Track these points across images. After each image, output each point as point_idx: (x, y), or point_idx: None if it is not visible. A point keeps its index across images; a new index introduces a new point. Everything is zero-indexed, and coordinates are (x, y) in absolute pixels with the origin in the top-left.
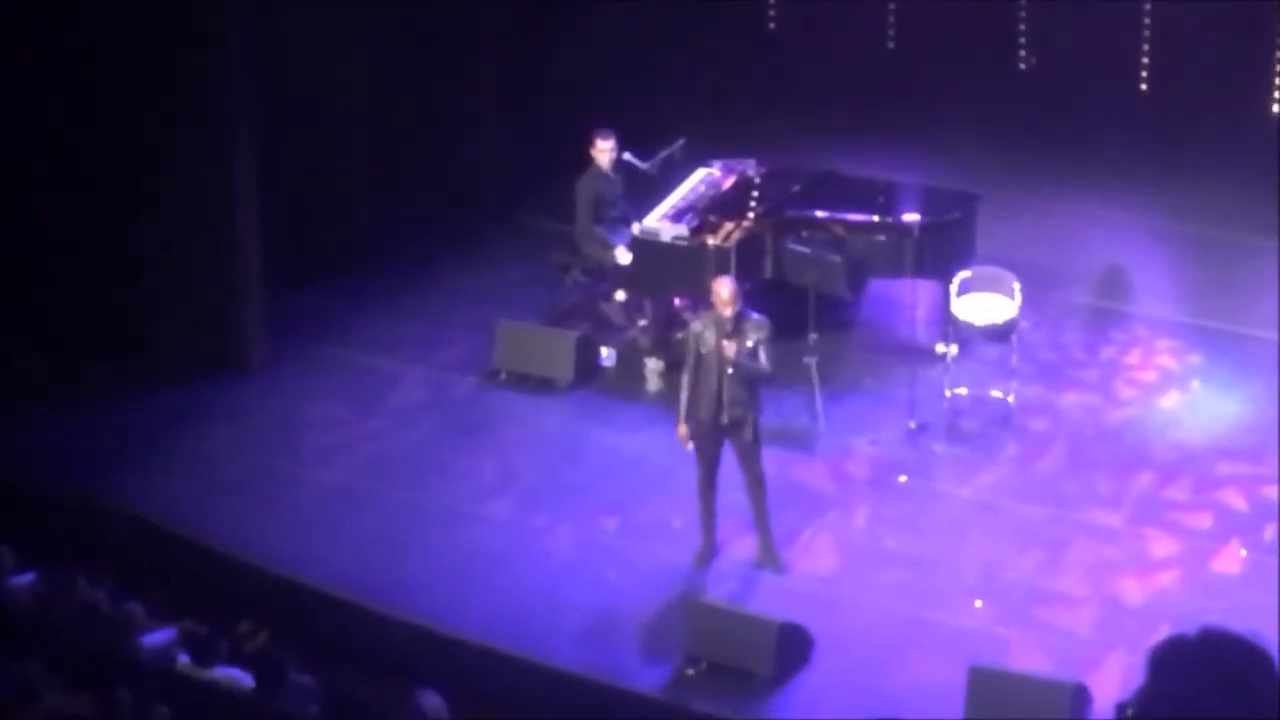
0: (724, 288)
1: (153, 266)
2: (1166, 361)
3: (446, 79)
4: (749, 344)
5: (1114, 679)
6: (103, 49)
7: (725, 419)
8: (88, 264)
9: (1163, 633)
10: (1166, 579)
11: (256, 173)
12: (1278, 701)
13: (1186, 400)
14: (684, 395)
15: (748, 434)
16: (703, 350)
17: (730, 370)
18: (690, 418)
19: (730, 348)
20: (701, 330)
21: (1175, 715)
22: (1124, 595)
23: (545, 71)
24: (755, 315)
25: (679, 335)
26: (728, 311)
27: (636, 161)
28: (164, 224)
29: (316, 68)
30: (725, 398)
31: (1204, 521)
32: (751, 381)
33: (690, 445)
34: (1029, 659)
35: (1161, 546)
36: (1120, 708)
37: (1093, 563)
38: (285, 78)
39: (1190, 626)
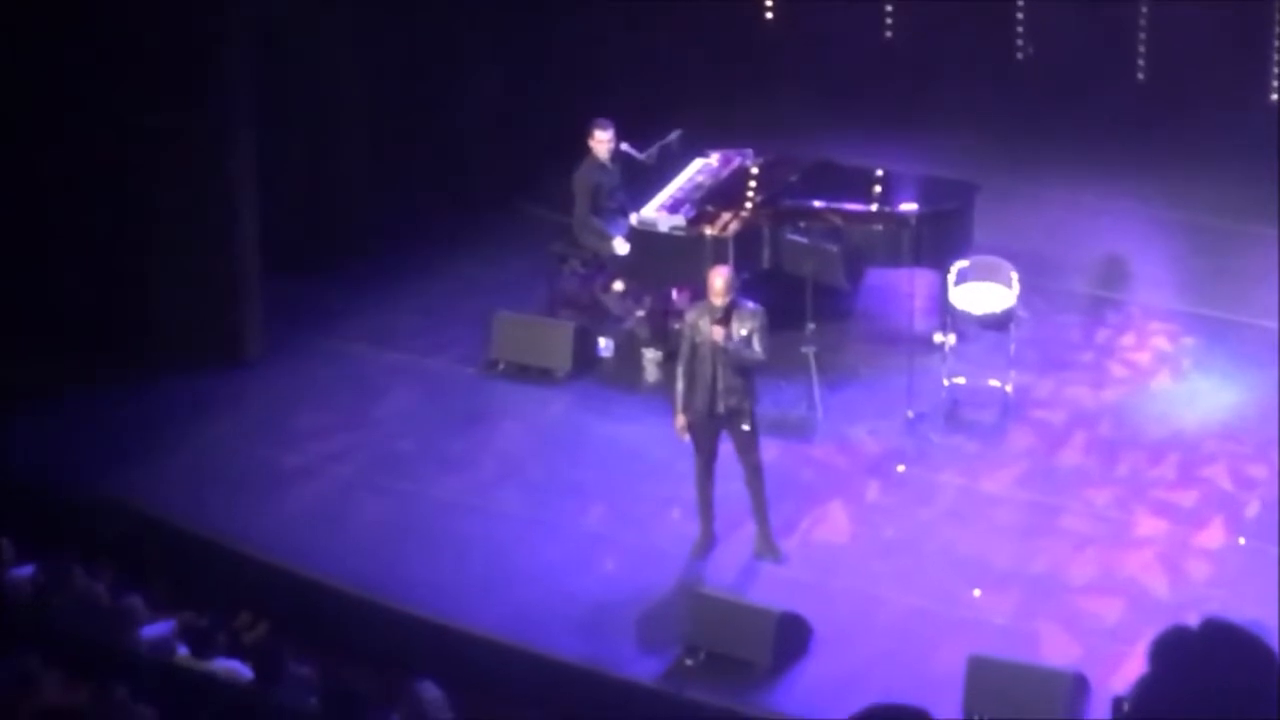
0: (718, 277)
1: (151, 259)
2: (1165, 349)
3: (445, 69)
4: (743, 332)
5: (1111, 667)
6: (100, 41)
7: (721, 408)
8: (86, 256)
9: (1168, 621)
10: (1164, 565)
11: (255, 164)
12: (1278, 693)
13: (1185, 388)
14: (680, 385)
15: (744, 423)
16: (697, 340)
17: (724, 359)
18: (687, 408)
19: (719, 333)
20: (696, 320)
21: (1175, 706)
22: (1125, 583)
23: (543, 61)
24: (749, 304)
25: (676, 326)
26: (721, 301)
27: (634, 152)
28: (162, 217)
29: (315, 58)
30: (720, 387)
31: (1194, 505)
32: (746, 370)
33: (688, 436)
34: (1027, 648)
35: (1156, 531)
36: (1117, 702)
37: (1091, 551)
38: (284, 69)
39: (1193, 616)
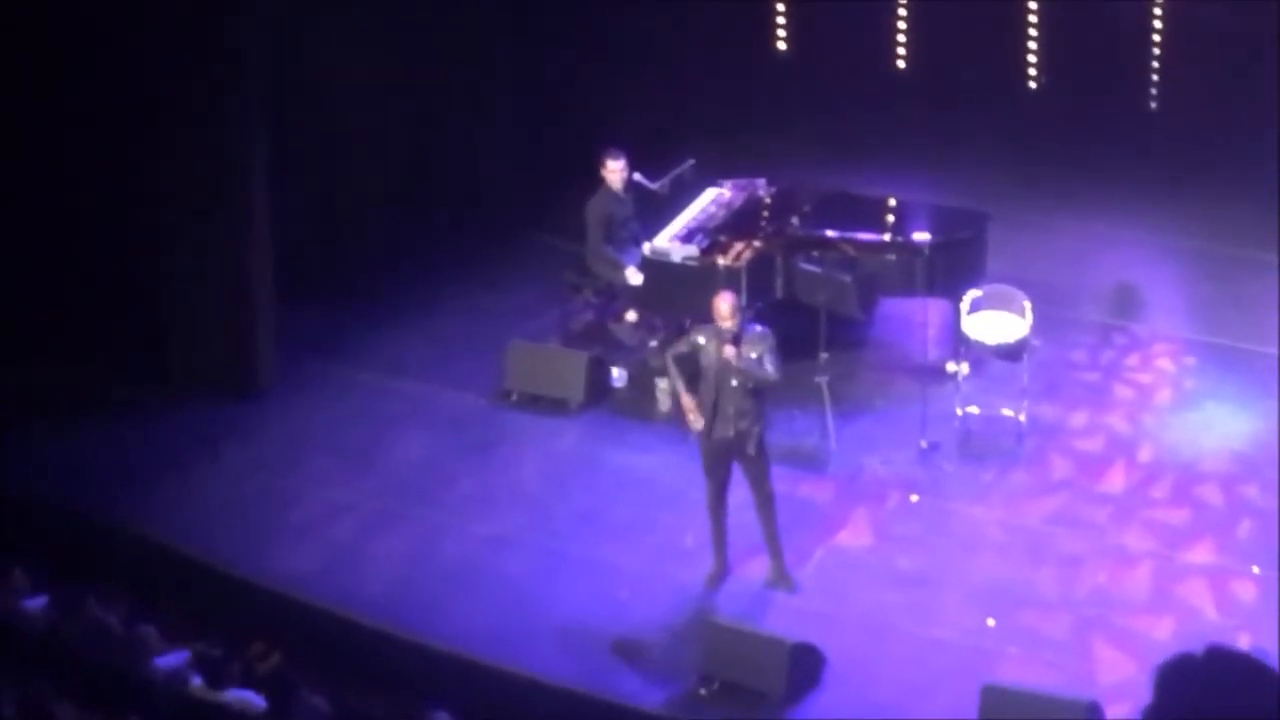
0: (724, 302)
1: (166, 287)
2: (1178, 377)
3: (461, 98)
4: (753, 355)
5: (1128, 696)
6: (115, 65)
7: (731, 431)
8: (101, 283)
9: (1177, 651)
10: (1183, 596)
11: (268, 194)
12: None
13: (1199, 416)
14: (678, 378)
15: (752, 447)
16: (704, 364)
17: (734, 382)
18: (697, 434)
19: (731, 351)
20: (704, 343)
21: None
22: (1139, 614)
23: (558, 92)
24: (757, 327)
25: (678, 344)
26: (729, 324)
27: (646, 182)
28: (177, 245)
29: (331, 85)
30: (731, 410)
31: (1186, 526)
32: (757, 393)
33: (699, 419)
34: (1041, 677)
35: (1176, 563)
36: None
37: (1105, 579)
38: (300, 95)
39: (1201, 645)
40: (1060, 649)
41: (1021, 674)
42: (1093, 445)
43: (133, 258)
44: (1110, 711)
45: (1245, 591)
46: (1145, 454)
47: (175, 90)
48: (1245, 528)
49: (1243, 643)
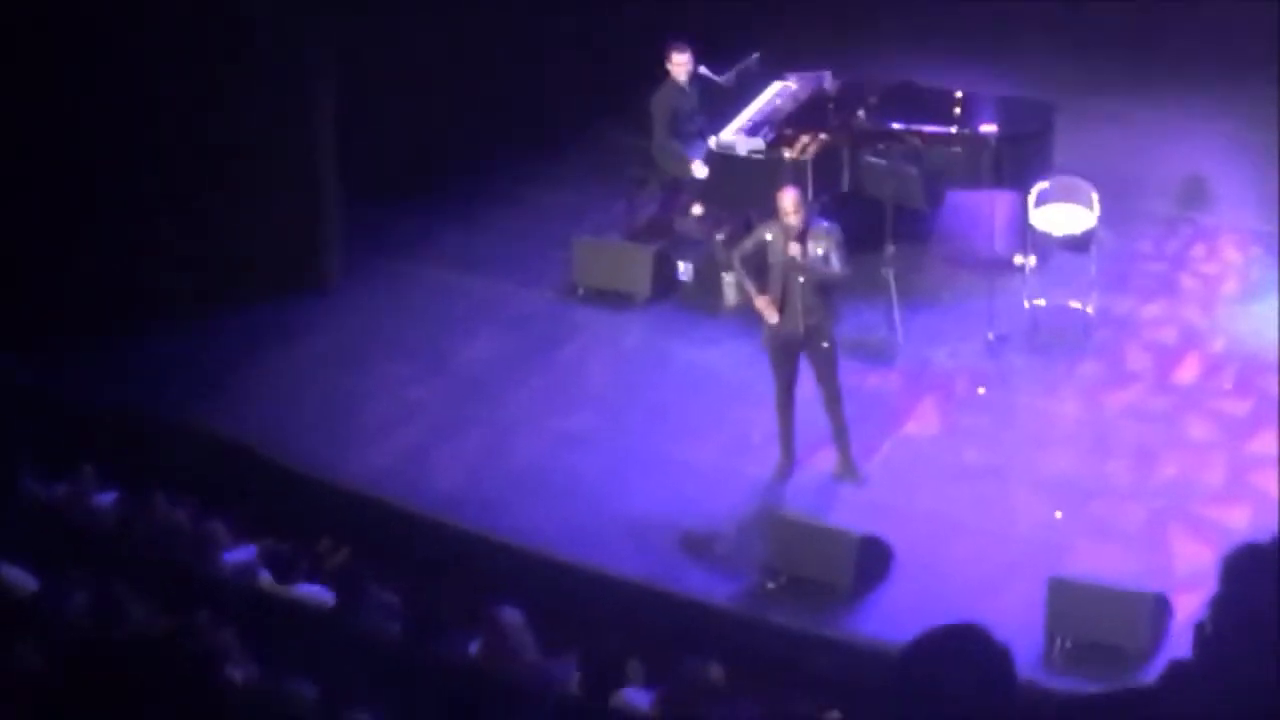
0: (788, 198)
1: (231, 184)
2: (1247, 269)
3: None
4: (819, 251)
5: (1205, 584)
6: None
7: (801, 327)
8: (167, 182)
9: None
10: (1256, 489)
11: (334, 87)
12: None
13: (1268, 307)
14: (750, 283)
15: (823, 343)
16: (771, 260)
17: (801, 278)
18: (766, 329)
19: (796, 249)
20: (770, 240)
21: (1248, 622)
22: (1206, 507)
23: None
24: (824, 222)
25: (745, 242)
26: (794, 220)
27: (712, 75)
28: (242, 141)
29: None
30: (800, 306)
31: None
32: (825, 288)
33: (775, 316)
34: (1116, 568)
35: (1246, 453)
36: (1199, 626)
37: (1174, 473)
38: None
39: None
40: (1134, 540)
41: (1095, 566)
42: (1164, 336)
43: (201, 155)
44: (1188, 600)
45: None
46: (1215, 345)
47: None
48: None
49: None
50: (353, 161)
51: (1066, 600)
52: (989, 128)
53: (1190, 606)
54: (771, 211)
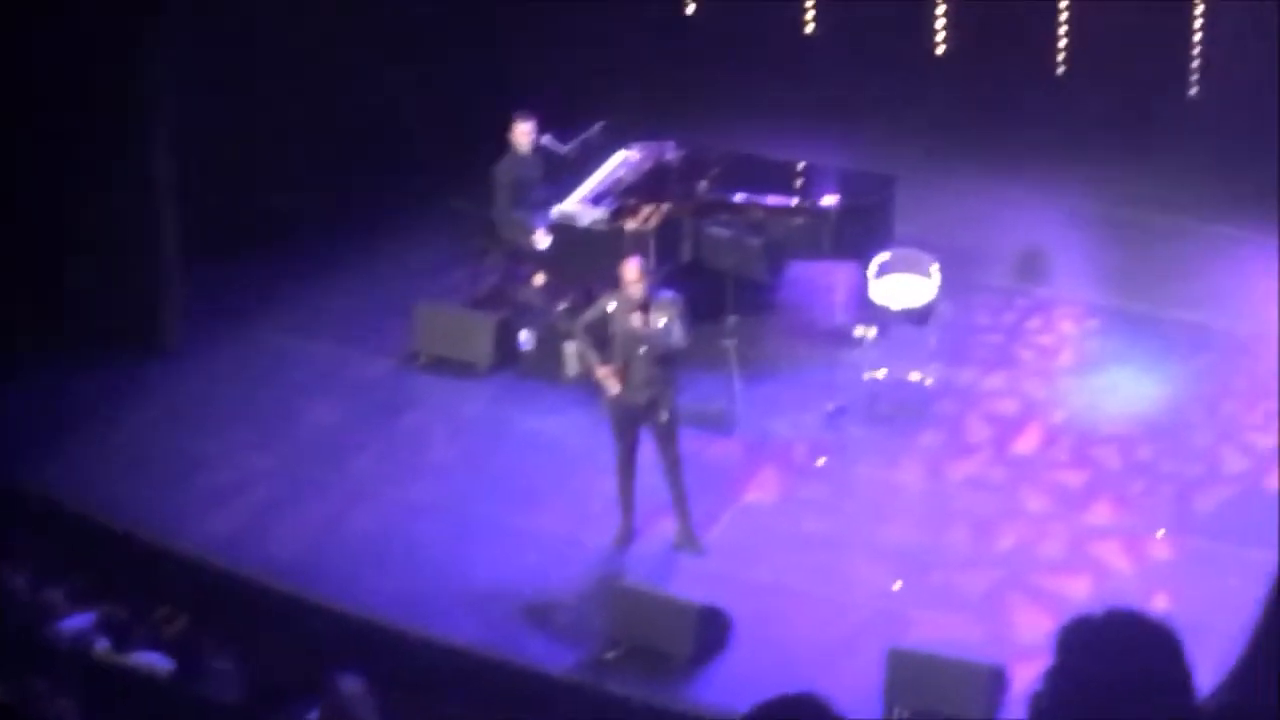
0: (629, 268)
1: (68, 242)
2: (1084, 342)
3: (373, 56)
4: (662, 321)
5: (1046, 654)
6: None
7: (641, 399)
8: (5, 247)
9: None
10: (1094, 559)
11: (175, 148)
12: (1181, 681)
13: (1104, 380)
14: (584, 341)
15: (664, 415)
16: (613, 330)
17: (643, 349)
18: (607, 399)
19: (639, 319)
20: (612, 310)
21: (1081, 693)
22: (1045, 577)
23: (467, 53)
24: (666, 292)
25: (587, 312)
26: (636, 290)
27: (555, 145)
28: (80, 199)
29: (243, 42)
30: (639, 378)
31: (1083, 488)
32: (666, 358)
33: (617, 387)
34: (956, 638)
35: (1084, 524)
36: (1035, 698)
37: (1014, 543)
38: (209, 50)
39: (1103, 607)
40: (974, 610)
41: (935, 635)
42: (1003, 408)
43: (37, 221)
44: (1028, 670)
45: (1160, 551)
46: (1055, 417)
47: (85, 44)
48: (1139, 488)
49: (1158, 603)
50: (195, 224)
51: (905, 670)
52: (830, 200)
53: (1030, 676)
54: (614, 282)
